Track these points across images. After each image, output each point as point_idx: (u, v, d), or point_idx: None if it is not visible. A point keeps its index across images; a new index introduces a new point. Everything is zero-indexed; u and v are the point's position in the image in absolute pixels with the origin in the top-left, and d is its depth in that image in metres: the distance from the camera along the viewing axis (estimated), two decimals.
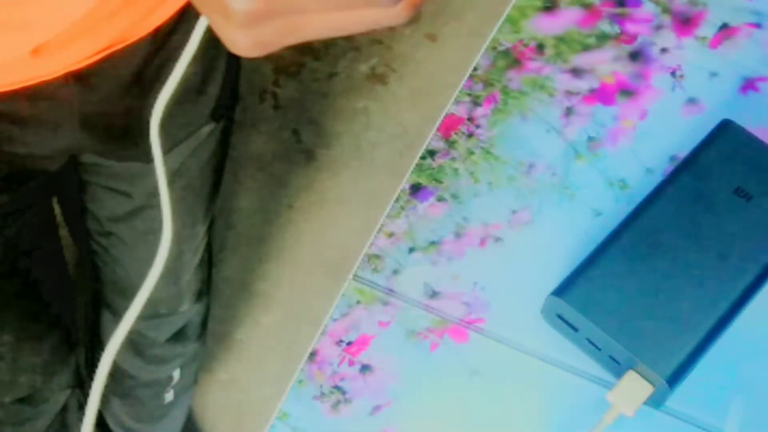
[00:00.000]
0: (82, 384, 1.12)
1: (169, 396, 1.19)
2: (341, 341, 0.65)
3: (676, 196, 0.64)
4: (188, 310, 1.08)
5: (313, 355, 0.65)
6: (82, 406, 1.12)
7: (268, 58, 1.63)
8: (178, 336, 1.11)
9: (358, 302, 0.66)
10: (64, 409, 1.06)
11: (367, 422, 0.63)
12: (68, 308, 1.06)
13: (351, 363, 0.65)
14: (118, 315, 1.08)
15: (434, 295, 0.66)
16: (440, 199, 0.69)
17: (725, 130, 0.67)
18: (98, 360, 1.17)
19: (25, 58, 0.63)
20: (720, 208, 0.64)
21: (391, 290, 0.67)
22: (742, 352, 0.63)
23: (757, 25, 0.75)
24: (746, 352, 0.63)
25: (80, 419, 1.11)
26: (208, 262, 1.06)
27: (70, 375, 1.04)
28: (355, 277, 0.67)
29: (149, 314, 1.06)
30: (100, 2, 0.63)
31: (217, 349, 1.49)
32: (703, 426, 0.62)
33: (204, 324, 1.15)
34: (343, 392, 0.64)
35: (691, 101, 0.72)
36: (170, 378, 1.17)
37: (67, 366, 1.02)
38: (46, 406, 1.01)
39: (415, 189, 0.70)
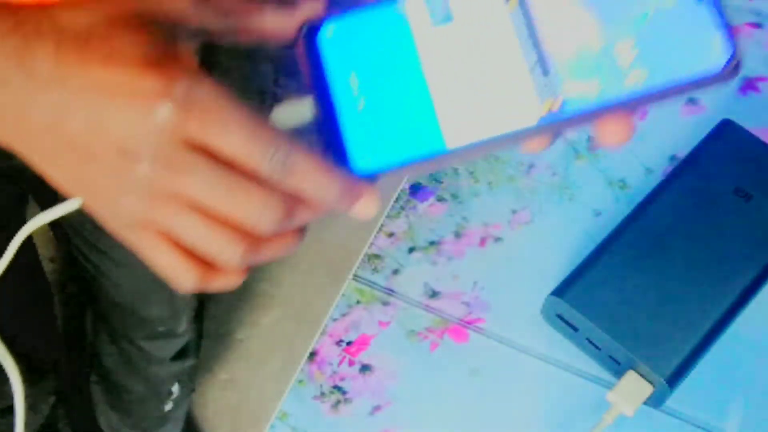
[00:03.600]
0: (70, 391, 1.12)
1: (168, 406, 1.20)
2: (341, 341, 0.65)
3: (676, 196, 0.64)
4: (187, 331, 1.08)
5: (313, 355, 0.65)
6: (69, 414, 1.13)
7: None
8: (180, 354, 1.12)
9: (358, 302, 0.66)
10: (53, 416, 1.06)
11: (367, 422, 0.63)
12: (52, 317, 1.07)
13: (351, 363, 0.65)
14: (110, 325, 1.08)
15: (434, 295, 0.66)
16: (440, 199, 0.69)
17: (725, 130, 0.67)
18: (94, 369, 1.17)
19: None
20: (720, 208, 0.64)
21: (391, 290, 0.67)
22: (742, 352, 0.63)
23: (757, 25, 0.75)
24: (746, 352, 0.63)
25: (68, 426, 1.11)
26: None
27: (54, 381, 1.04)
28: (355, 277, 0.67)
29: (149, 334, 1.06)
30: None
31: (217, 349, 1.49)
32: (703, 426, 0.62)
33: (199, 338, 1.16)
34: (343, 392, 0.64)
35: (691, 101, 0.72)
36: (170, 392, 1.18)
37: (50, 372, 1.03)
38: (32, 415, 1.02)
39: (415, 189, 0.70)
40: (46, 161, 0.42)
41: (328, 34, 0.45)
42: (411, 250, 0.68)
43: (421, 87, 0.44)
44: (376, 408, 0.63)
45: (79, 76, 0.40)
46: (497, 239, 0.68)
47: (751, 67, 0.73)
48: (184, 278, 0.43)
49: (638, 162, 0.70)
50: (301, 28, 0.45)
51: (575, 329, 0.62)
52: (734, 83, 0.72)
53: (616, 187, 0.69)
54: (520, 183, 0.70)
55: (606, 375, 0.63)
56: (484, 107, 0.43)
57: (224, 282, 0.44)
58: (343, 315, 0.66)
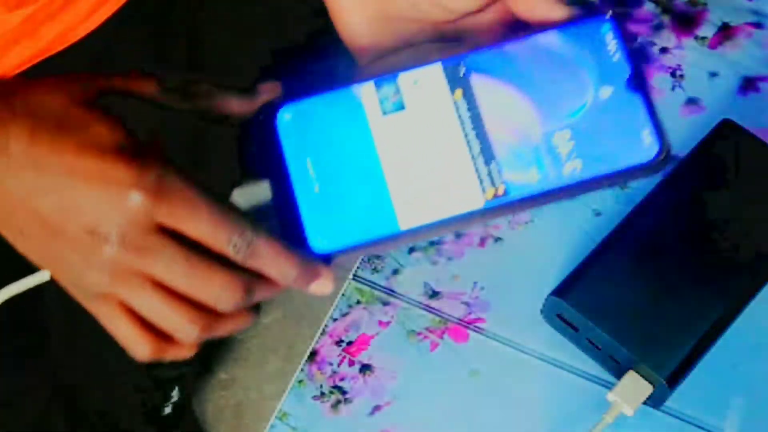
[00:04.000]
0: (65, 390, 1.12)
1: (167, 410, 1.19)
2: (341, 341, 0.65)
3: (676, 196, 0.64)
4: None
5: (313, 355, 0.65)
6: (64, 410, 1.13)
7: None
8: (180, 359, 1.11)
9: (358, 302, 0.66)
10: (47, 411, 1.06)
11: (367, 422, 0.63)
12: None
13: (351, 363, 0.65)
14: None
15: (434, 295, 0.66)
16: None
17: (725, 130, 0.67)
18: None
19: None
20: (720, 208, 0.64)
21: (391, 290, 0.67)
22: (742, 352, 0.63)
23: (757, 25, 0.75)
24: (746, 352, 0.63)
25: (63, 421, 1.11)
26: None
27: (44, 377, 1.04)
28: (355, 277, 0.67)
29: None
30: (40, 6, 0.63)
31: (217, 349, 1.49)
32: (703, 426, 0.62)
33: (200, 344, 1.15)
34: (343, 392, 0.64)
35: (691, 101, 0.72)
36: (170, 396, 1.18)
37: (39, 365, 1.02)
38: (24, 408, 1.02)
39: None
40: (15, 233, 0.45)
41: (285, 117, 0.47)
42: (411, 250, 0.68)
43: (376, 170, 0.46)
44: (376, 408, 0.63)
45: (53, 160, 0.43)
46: (497, 239, 0.68)
47: (751, 67, 0.73)
48: (139, 349, 0.46)
49: None
50: (259, 111, 0.48)
51: (575, 329, 0.62)
52: (734, 83, 0.72)
53: (617, 187, 0.69)
54: None
55: (606, 375, 0.63)
56: (434, 191, 0.46)
57: (177, 354, 0.47)
58: (343, 315, 0.66)
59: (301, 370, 0.65)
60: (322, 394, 0.64)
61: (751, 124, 0.67)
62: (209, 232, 0.43)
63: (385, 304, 0.66)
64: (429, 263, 0.67)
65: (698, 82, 0.73)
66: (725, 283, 0.62)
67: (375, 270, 0.67)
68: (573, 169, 0.45)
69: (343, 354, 0.65)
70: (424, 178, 0.46)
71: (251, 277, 0.45)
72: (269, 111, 0.47)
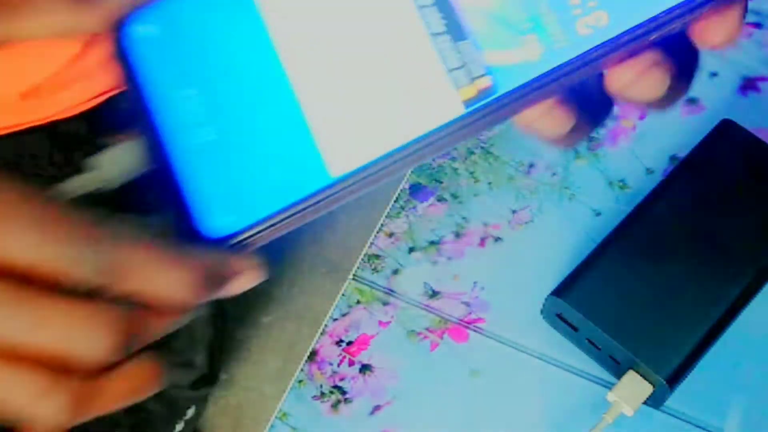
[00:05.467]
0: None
1: (179, 426, 1.20)
2: (341, 341, 0.65)
3: (676, 196, 0.64)
4: (205, 363, 1.08)
5: (313, 354, 0.65)
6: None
7: None
8: (200, 382, 1.12)
9: (358, 302, 0.66)
10: None
11: (366, 422, 0.63)
12: None
13: (351, 363, 0.65)
14: None
15: (434, 295, 0.66)
16: (440, 199, 0.69)
17: (725, 130, 0.67)
18: None
19: (13, 100, 0.61)
20: (720, 208, 0.64)
21: (391, 290, 0.67)
22: (742, 352, 0.63)
23: (757, 25, 0.75)
24: (746, 352, 0.63)
25: None
26: (222, 316, 1.05)
27: None
28: (355, 277, 0.67)
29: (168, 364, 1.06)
30: (92, 45, 0.62)
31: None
32: (703, 426, 0.62)
33: (218, 365, 1.16)
34: (343, 392, 0.64)
35: (691, 101, 0.72)
36: (185, 414, 1.18)
37: None
38: None
39: (415, 189, 0.70)
40: None
41: (139, 32, 0.29)
42: (411, 250, 0.68)
43: (283, 86, 0.29)
44: (376, 408, 0.63)
45: None
46: (497, 239, 0.68)
47: (751, 67, 0.73)
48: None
49: (638, 162, 0.70)
50: (111, 30, 0.30)
51: (575, 329, 0.62)
52: (734, 83, 0.72)
53: (616, 187, 0.69)
54: (520, 183, 0.70)
55: (606, 375, 0.63)
56: (389, 112, 0.29)
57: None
58: (343, 315, 0.66)
59: (301, 370, 0.65)
60: (322, 394, 0.64)
61: (751, 124, 0.67)
62: (39, 256, 0.26)
63: (385, 304, 0.66)
64: (429, 263, 0.67)
65: (698, 82, 0.72)
66: (725, 283, 0.62)
67: (375, 270, 0.67)
68: (594, 25, 0.28)
69: (343, 354, 0.65)
70: (356, 91, 0.28)
71: (131, 305, 0.28)
72: (114, 31, 0.29)
